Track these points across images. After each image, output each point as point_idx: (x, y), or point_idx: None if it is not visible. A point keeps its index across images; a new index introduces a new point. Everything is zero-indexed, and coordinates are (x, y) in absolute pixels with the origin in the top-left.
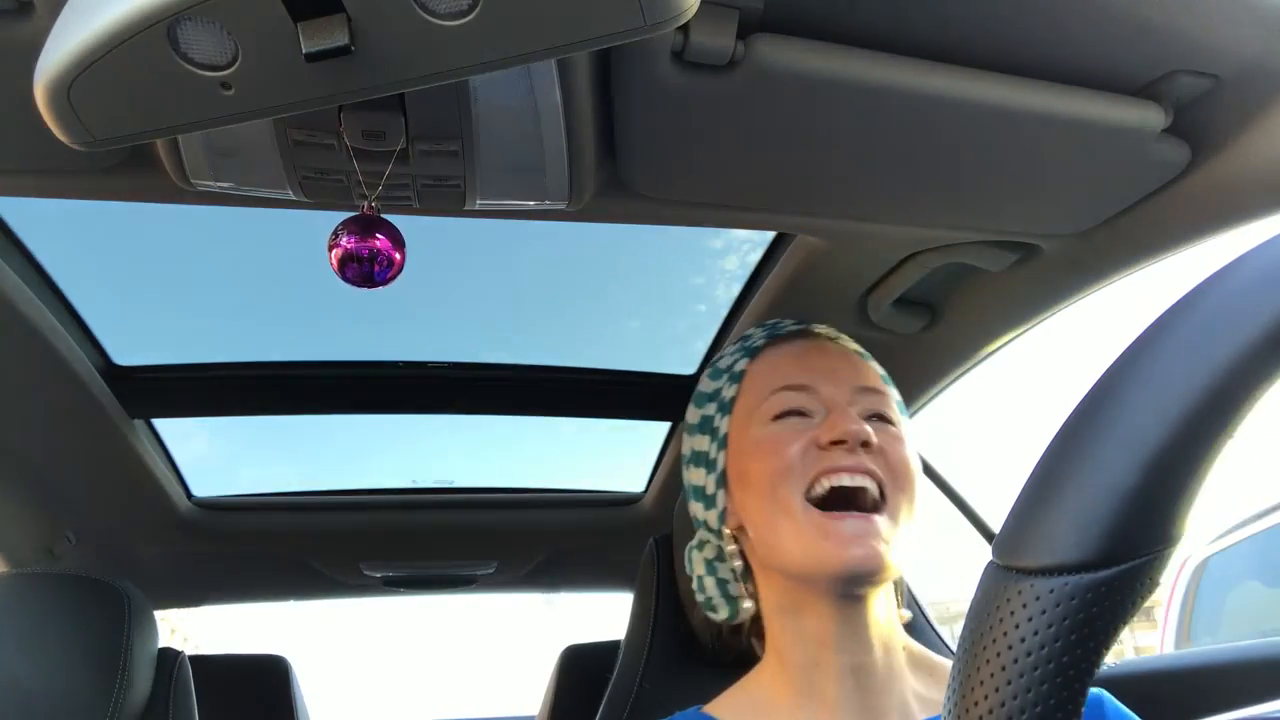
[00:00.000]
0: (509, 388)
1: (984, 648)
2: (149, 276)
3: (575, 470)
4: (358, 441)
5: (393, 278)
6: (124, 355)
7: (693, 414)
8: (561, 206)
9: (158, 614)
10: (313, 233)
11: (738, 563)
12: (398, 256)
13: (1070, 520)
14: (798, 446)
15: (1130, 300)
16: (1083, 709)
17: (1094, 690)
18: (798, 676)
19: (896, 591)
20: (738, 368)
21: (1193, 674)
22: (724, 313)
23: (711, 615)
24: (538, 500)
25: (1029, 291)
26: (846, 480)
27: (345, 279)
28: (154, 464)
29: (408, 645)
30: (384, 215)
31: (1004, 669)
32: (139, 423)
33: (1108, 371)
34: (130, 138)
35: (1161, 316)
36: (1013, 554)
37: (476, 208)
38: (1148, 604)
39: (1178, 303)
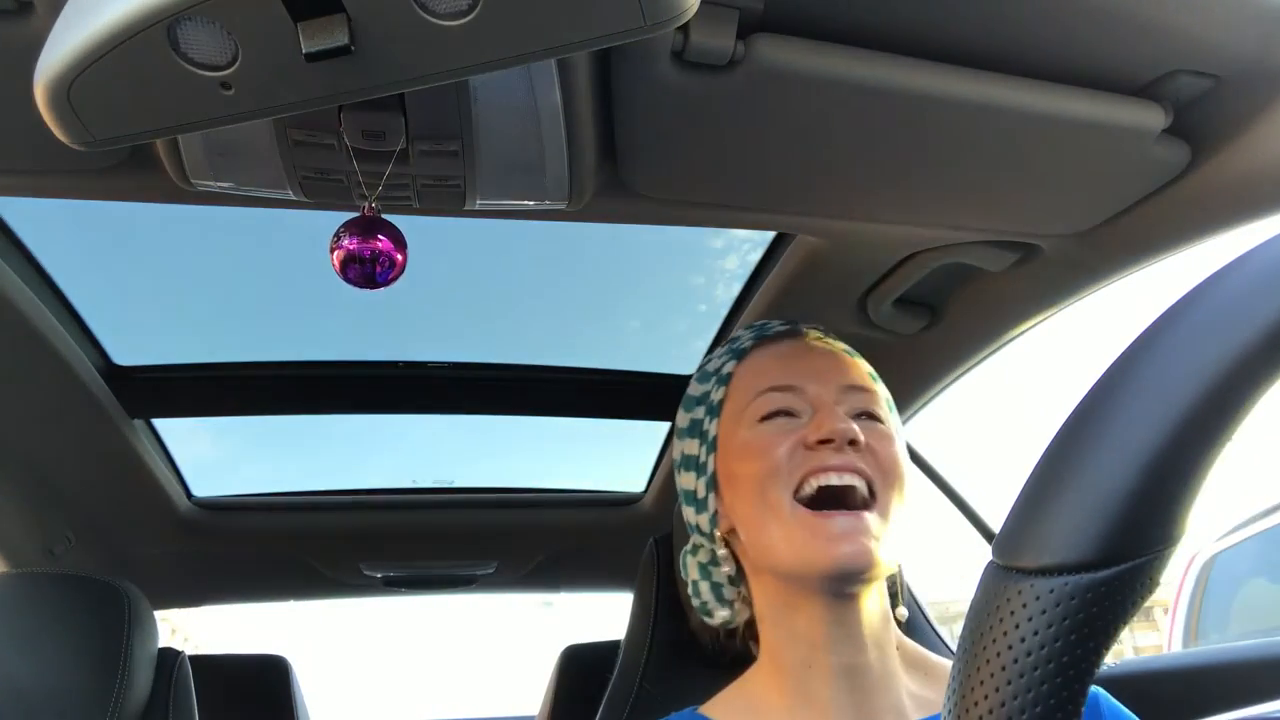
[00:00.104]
0: (509, 388)
1: (984, 648)
2: (149, 276)
3: (575, 470)
4: (358, 441)
5: (394, 279)
6: (124, 355)
7: (682, 418)
8: (561, 206)
9: (158, 614)
10: (313, 233)
11: (730, 566)
12: (399, 257)
13: (1070, 520)
14: (785, 447)
15: (1130, 300)
16: (1083, 709)
17: (1090, 688)
18: (791, 678)
19: (892, 590)
20: (725, 370)
21: (1192, 674)
22: (724, 312)
23: (707, 619)
24: (538, 500)
25: (1029, 291)
26: (835, 480)
27: (347, 280)
28: (154, 464)
29: (408, 645)
30: (384, 215)
31: (1004, 669)
32: (139, 423)
33: (1107, 372)
34: (130, 138)
35: (1161, 317)
36: (1013, 554)
37: (476, 208)
38: (1148, 604)
39: (1177, 303)
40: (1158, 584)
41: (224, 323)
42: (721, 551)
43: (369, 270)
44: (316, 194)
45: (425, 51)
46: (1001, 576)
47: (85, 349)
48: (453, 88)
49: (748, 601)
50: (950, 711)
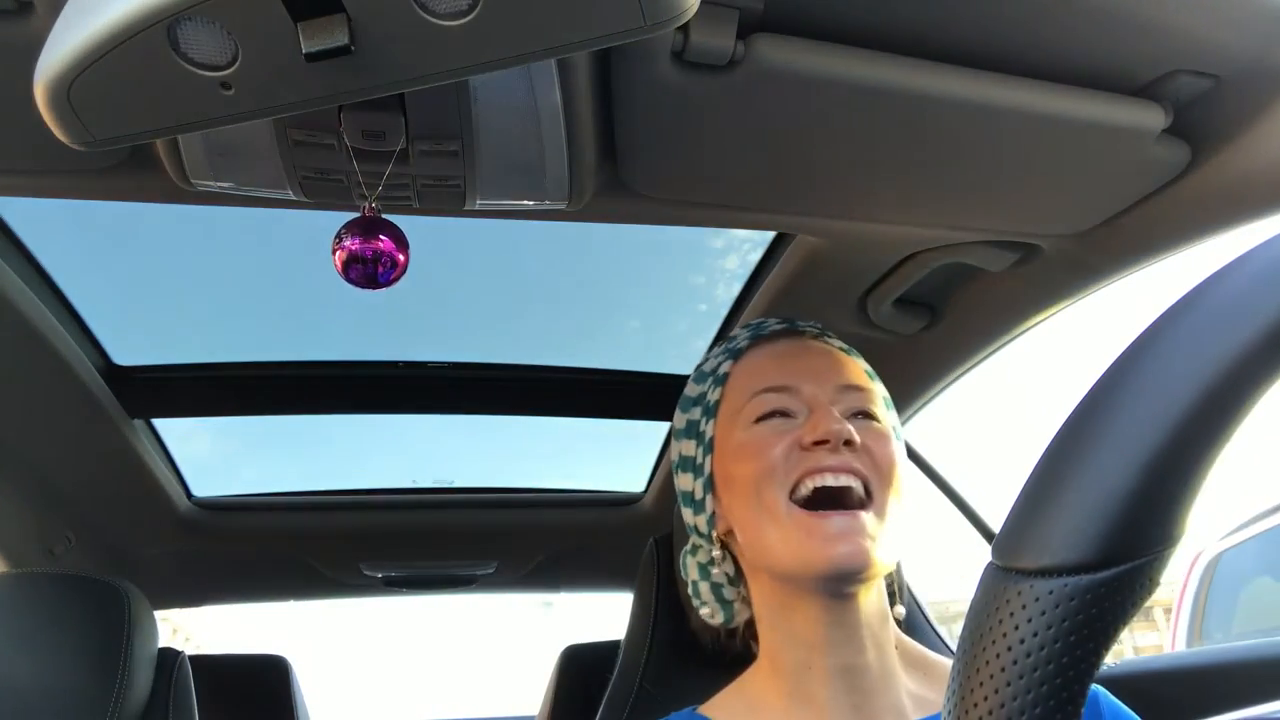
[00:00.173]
0: (509, 388)
1: (984, 648)
2: (149, 276)
3: (575, 470)
4: (358, 441)
5: (396, 279)
6: (124, 355)
7: (679, 419)
8: (561, 206)
9: (158, 614)
10: (313, 233)
11: (729, 567)
12: (401, 258)
13: (1070, 521)
14: (781, 448)
15: (1130, 300)
16: (1083, 709)
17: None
18: (789, 679)
19: (891, 589)
20: (721, 370)
21: (1193, 674)
22: (724, 312)
23: (708, 619)
24: (537, 500)
25: (1029, 291)
26: (830, 480)
27: (349, 280)
28: (154, 464)
29: (408, 645)
30: (384, 216)
31: (1004, 670)
32: (139, 423)
33: (1107, 372)
34: (130, 138)
35: (1160, 317)
36: (1012, 555)
37: (476, 208)
38: (1147, 603)
39: (1176, 304)
40: (1158, 584)
41: (224, 323)
42: (719, 553)
43: (371, 270)
44: (316, 194)
45: (425, 51)
46: (1001, 577)
47: (85, 349)
48: (453, 88)
49: (747, 601)
50: (950, 712)
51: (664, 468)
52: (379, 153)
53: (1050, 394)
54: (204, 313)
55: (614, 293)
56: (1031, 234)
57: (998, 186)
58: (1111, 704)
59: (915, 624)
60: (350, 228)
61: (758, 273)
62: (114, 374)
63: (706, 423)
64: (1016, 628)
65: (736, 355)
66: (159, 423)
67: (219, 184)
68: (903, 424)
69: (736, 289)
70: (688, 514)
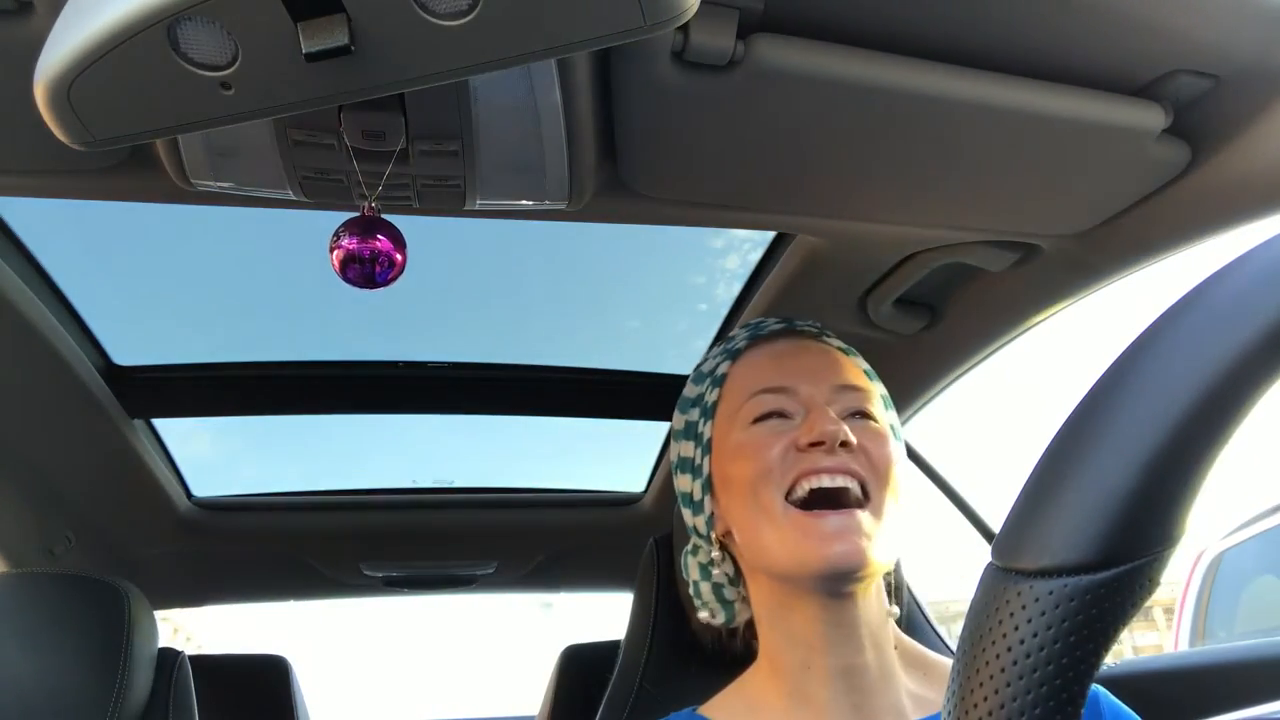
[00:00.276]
0: (509, 388)
1: (984, 649)
2: (149, 276)
3: (575, 470)
4: (358, 441)
5: (394, 278)
6: (124, 355)
7: (677, 420)
8: (561, 206)
9: (158, 614)
10: (313, 233)
11: (729, 568)
12: (399, 257)
13: (1069, 522)
14: (778, 449)
15: (1130, 300)
16: (1082, 710)
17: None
18: (789, 679)
19: (890, 590)
20: (719, 371)
21: (1193, 674)
22: (724, 312)
23: (709, 619)
24: (537, 500)
25: (1029, 291)
26: (826, 481)
27: (347, 280)
28: (154, 464)
29: (408, 645)
30: (384, 215)
31: (1004, 670)
32: (139, 423)
33: (1107, 373)
34: (130, 138)
35: (1160, 317)
36: (1012, 555)
37: (476, 208)
38: (1147, 604)
39: (1176, 304)
40: (1157, 585)
41: (224, 323)
42: (719, 553)
43: (368, 270)
44: (316, 194)
45: (425, 51)
46: (1001, 578)
47: (85, 349)
48: (453, 88)
49: (748, 601)
50: (950, 713)
51: (664, 468)
52: (379, 153)
53: (1050, 394)
54: (204, 313)
55: (614, 293)
56: (1031, 234)
57: (998, 186)
58: (1111, 704)
59: (915, 624)
60: (348, 227)
61: (758, 273)
62: (114, 374)
63: (704, 424)
64: (1016, 628)
65: (734, 356)
66: (159, 423)
67: (219, 184)
68: (903, 424)
69: (736, 289)
70: (687, 515)
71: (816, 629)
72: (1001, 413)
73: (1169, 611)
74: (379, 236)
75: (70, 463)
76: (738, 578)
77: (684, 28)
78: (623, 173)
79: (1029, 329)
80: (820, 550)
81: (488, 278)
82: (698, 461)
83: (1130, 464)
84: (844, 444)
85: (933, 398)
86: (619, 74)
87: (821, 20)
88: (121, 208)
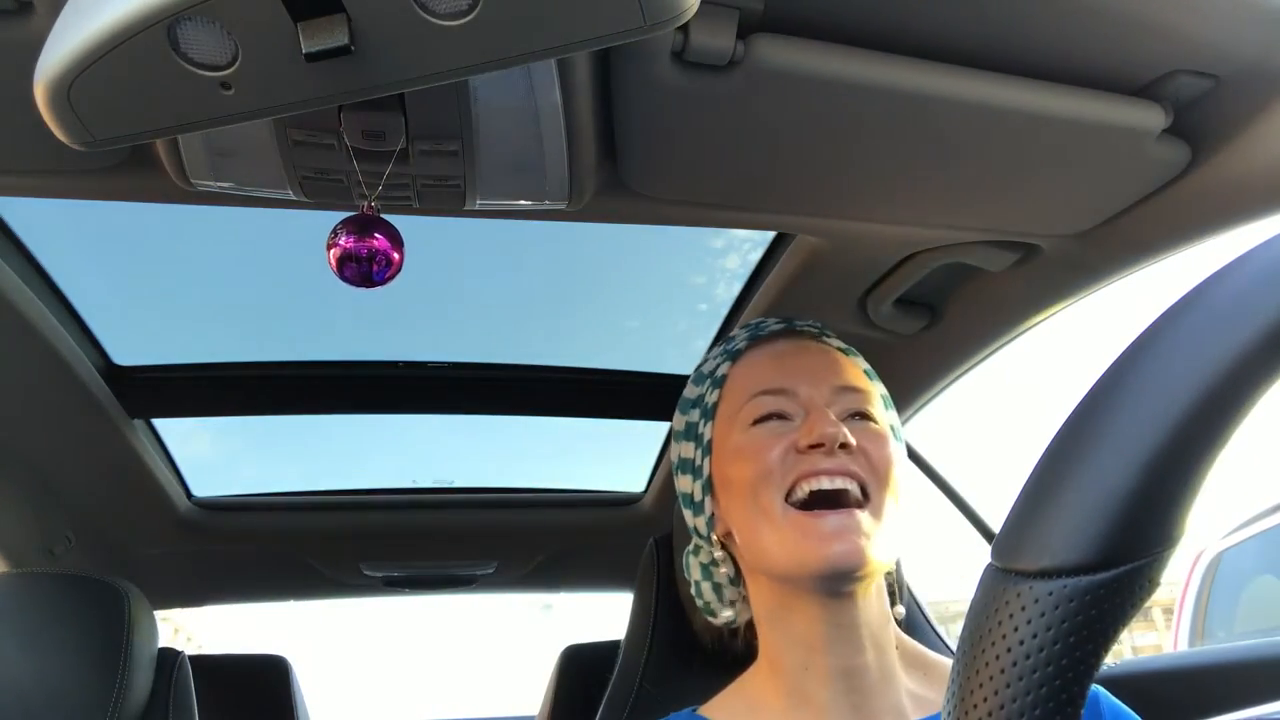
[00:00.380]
0: (509, 388)
1: (983, 650)
2: (149, 276)
3: (575, 470)
4: (358, 441)
5: (391, 277)
6: (124, 355)
7: (678, 420)
8: (561, 206)
9: (159, 614)
10: (313, 233)
11: (729, 568)
12: (396, 256)
13: (1069, 522)
14: (777, 451)
15: (1130, 300)
16: (1082, 711)
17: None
18: (788, 679)
19: (891, 589)
20: (719, 372)
21: (1193, 674)
22: (724, 312)
23: (710, 618)
24: (538, 500)
25: (1029, 291)
26: (826, 483)
27: (344, 279)
28: (154, 464)
29: (408, 645)
30: (383, 215)
31: (1003, 671)
32: (139, 423)
33: (1106, 373)
34: (130, 138)
35: (1160, 317)
36: (1012, 556)
37: (476, 208)
38: (1146, 604)
39: (1176, 304)
40: (1157, 585)
41: (224, 323)
42: (719, 554)
43: (366, 269)
44: (316, 194)
45: (425, 51)
46: (1001, 579)
47: (85, 349)
48: (453, 88)
49: (749, 601)
50: (950, 714)
51: (664, 468)
52: (379, 153)
53: (1050, 394)
54: (204, 313)
55: (614, 293)
56: (1031, 234)
57: (998, 186)
58: (1112, 704)
59: (915, 624)
60: (345, 226)
61: (758, 273)
62: (114, 374)
63: (705, 425)
64: (1016, 629)
65: (734, 357)
66: (159, 423)
67: (219, 184)
68: (903, 424)
69: (736, 289)
70: (688, 515)
71: (816, 629)
72: (1001, 413)
73: (1168, 612)
74: (376, 235)
75: (70, 463)
76: (738, 578)
77: (684, 28)
78: (623, 173)
79: (1029, 329)
80: (820, 550)
81: (488, 278)
82: (698, 462)
83: (1130, 464)
84: (843, 446)
85: (933, 398)
86: (619, 74)
87: (821, 20)
88: (121, 208)
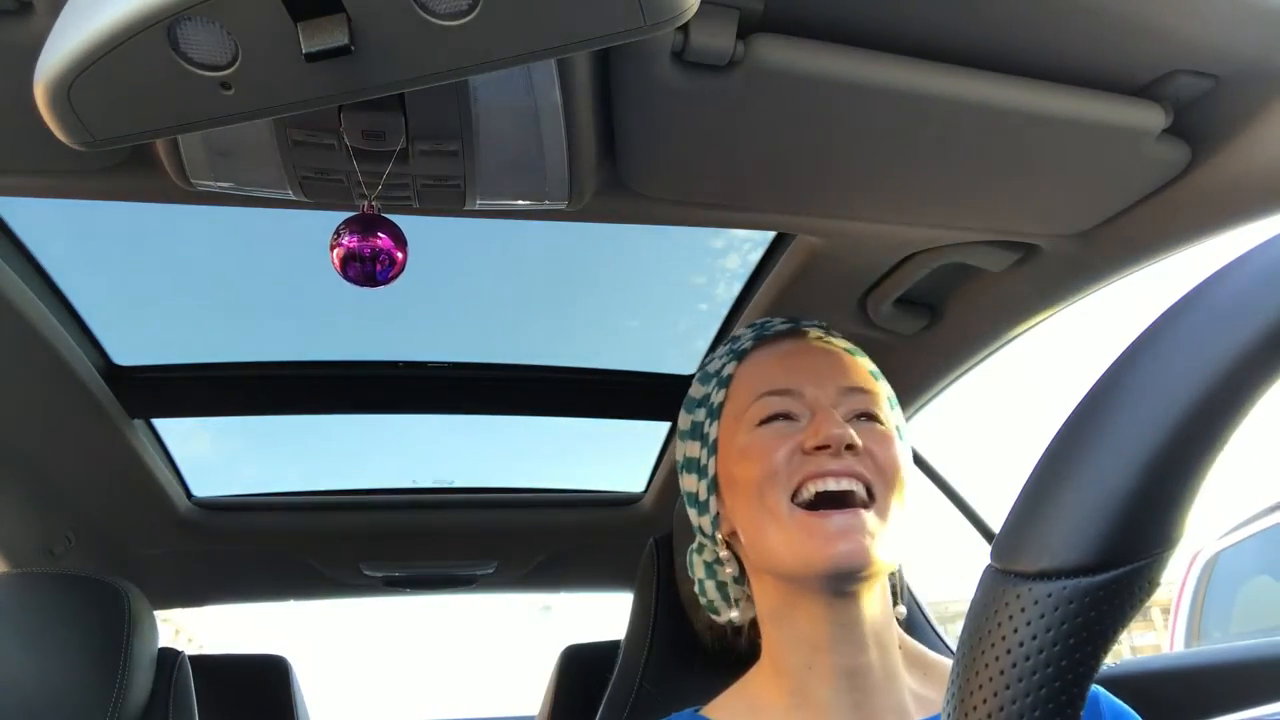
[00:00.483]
0: (509, 388)
1: (983, 651)
2: (149, 276)
3: (575, 470)
4: (358, 441)
5: (394, 277)
6: (124, 355)
7: (684, 420)
8: (561, 206)
9: (159, 614)
10: (313, 233)
11: (733, 568)
12: (400, 255)
13: (1068, 524)
14: (783, 452)
15: (1130, 300)
16: (1082, 712)
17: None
18: (791, 679)
19: (893, 590)
20: (725, 372)
21: (1193, 674)
22: (725, 312)
23: (714, 617)
24: (538, 500)
25: (1029, 291)
26: (832, 485)
27: (347, 278)
28: (154, 464)
29: (408, 645)
30: (384, 215)
31: (1003, 673)
32: (139, 423)
33: (1105, 374)
34: (130, 138)
35: (1159, 318)
36: (1011, 558)
37: (476, 208)
38: (1146, 604)
39: (1175, 304)
40: (1157, 586)
41: (224, 323)
42: (724, 553)
43: (369, 268)
44: (316, 194)
45: (425, 51)
46: (1000, 580)
47: (85, 349)
48: (453, 88)
49: (753, 600)
50: (949, 715)
51: (664, 468)
52: (379, 153)
53: (1050, 394)
54: (204, 313)
55: (614, 293)
56: (1031, 234)
57: (998, 186)
58: (1112, 704)
59: (915, 624)
60: (349, 225)
61: (758, 273)
62: (114, 374)
63: (710, 424)
64: (1015, 631)
65: (740, 356)
66: (159, 423)
67: (219, 184)
68: None
69: (737, 289)
70: (693, 514)
71: (820, 628)
72: (1001, 413)
73: (1167, 611)
74: (379, 235)
75: (70, 463)
76: (742, 577)
77: (684, 28)
78: (623, 173)
79: (1029, 329)
80: (825, 550)
81: (488, 278)
82: (703, 462)
83: (1130, 465)
84: (850, 447)
85: (932, 398)
86: (619, 74)
87: (821, 20)
88: (121, 208)
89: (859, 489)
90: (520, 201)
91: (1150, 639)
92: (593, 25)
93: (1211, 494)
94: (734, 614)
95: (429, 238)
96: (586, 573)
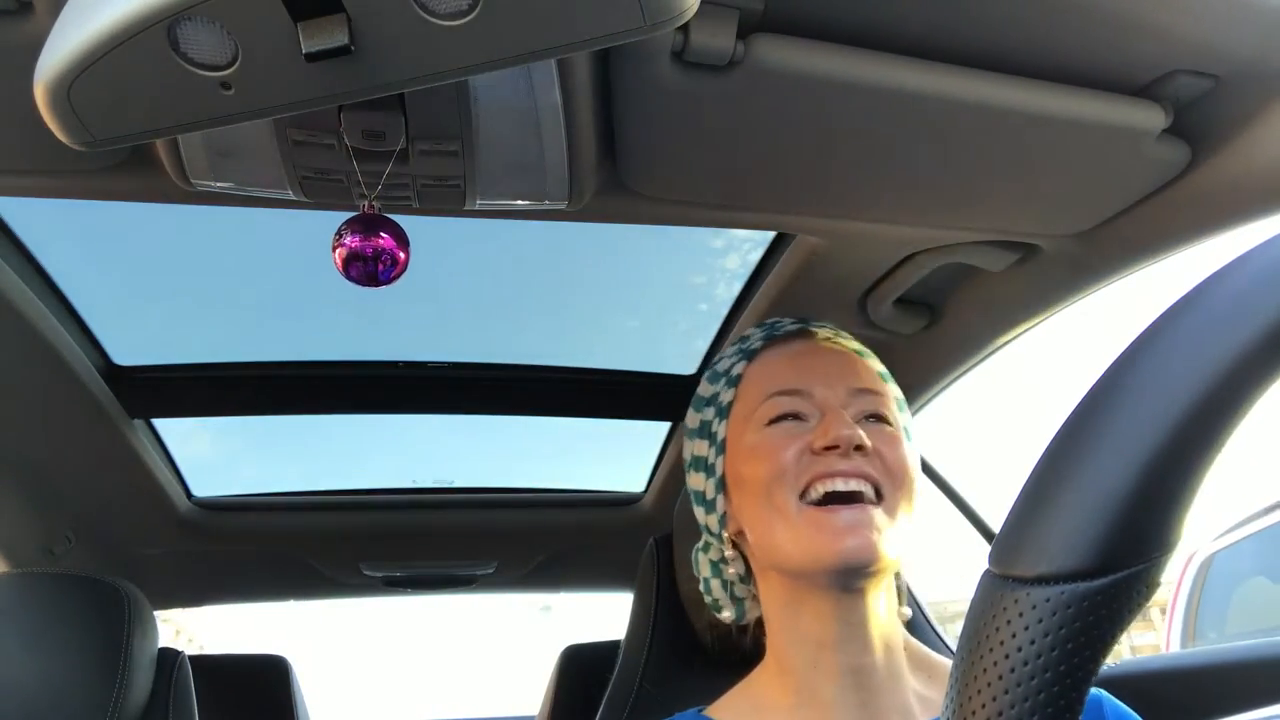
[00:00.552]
0: (509, 388)
1: (981, 657)
2: (149, 276)
3: (575, 470)
4: (358, 441)
5: (397, 276)
6: (124, 355)
7: (692, 418)
8: (561, 206)
9: (159, 614)
10: (313, 233)
11: (739, 567)
12: (402, 255)
13: (1066, 528)
14: (792, 451)
15: (1130, 300)
16: (1080, 717)
17: (1093, 690)
18: (796, 678)
19: (899, 593)
20: (735, 371)
21: (1193, 674)
22: (724, 312)
23: (719, 615)
24: (538, 500)
25: (1029, 291)
26: (840, 485)
27: (349, 278)
28: (154, 464)
29: (408, 645)
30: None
31: (1001, 678)
32: (139, 423)
33: (1103, 377)
34: (130, 138)
35: (1157, 320)
36: (1009, 562)
37: (476, 208)
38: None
39: (1173, 306)
40: (1155, 590)
41: (224, 323)
42: (730, 552)
43: (371, 268)
44: (316, 194)
45: (425, 51)
46: (998, 585)
47: (85, 349)
48: (453, 88)
49: (758, 599)
50: None
51: (664, 468)
52: (379, 153)
53: (1050, 394)
54: (204, 313)
55: (614, 293)
56: (1031, 234)
57: (998, 186)
58: (1116, 708)
59: (915, 624)
60: (351, 225)
61: (758, 273)
62: (114, 374)
63: (719, 423)
64: (1014, 636)
65: (750, 356)
66: (159, 423)
67: (219, 184)
68: None
69: (736, 289)
70: (699, 513)
71: (827, 627)
72: (1001, 413)
73: (1165, 612)
74: (382, 234)
75: (70, 463)
76: (748, 576)
77: (684, 28)
78: (623, 173)
79: (1029, 329)
80: (834, 545)
81: (488, 278)
82: (711, 461)
83: (1127, 469)
84: (859, 448)
85: (932, 398)
86: (619, 74)
87: (821, 20)
88: (121, 208)
89: (867, 490)
90: (520, 201)
91: (1150, 639)
92: (593, 25)
93: (1207, 496)
94: (739, 613)
95: (429, 238)
96: (586, 573)
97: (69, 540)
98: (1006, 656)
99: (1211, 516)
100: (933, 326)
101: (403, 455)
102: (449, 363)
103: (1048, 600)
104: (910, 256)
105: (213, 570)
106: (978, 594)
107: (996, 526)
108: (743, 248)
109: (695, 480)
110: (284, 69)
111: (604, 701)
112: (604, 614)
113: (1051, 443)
